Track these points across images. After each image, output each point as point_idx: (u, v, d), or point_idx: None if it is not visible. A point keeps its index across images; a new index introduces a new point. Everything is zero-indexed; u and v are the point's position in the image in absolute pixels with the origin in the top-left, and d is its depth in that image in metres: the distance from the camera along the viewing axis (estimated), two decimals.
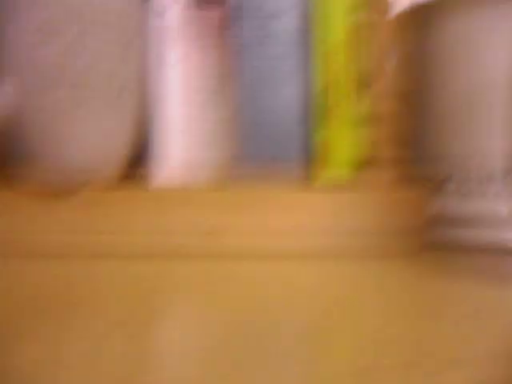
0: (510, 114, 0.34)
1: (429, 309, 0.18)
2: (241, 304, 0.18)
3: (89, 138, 0.29)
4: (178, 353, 0.13)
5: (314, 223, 0.31)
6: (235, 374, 0.11)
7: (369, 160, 0.32)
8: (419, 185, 0.38)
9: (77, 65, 0.28)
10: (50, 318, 0.16)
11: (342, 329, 0.15)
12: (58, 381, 0.11)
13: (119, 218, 0.30)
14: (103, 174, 0.30)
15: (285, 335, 0.14)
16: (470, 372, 0.11)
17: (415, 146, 0.39)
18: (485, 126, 0.36)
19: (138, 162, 0.33)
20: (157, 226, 0.30)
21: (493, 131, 0.36)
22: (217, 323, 0.16)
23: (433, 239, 0.37)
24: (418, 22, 0.39)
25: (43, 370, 0.11)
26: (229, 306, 0.18)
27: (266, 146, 0.32)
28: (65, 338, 0.14)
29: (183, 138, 0.33)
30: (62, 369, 0.11)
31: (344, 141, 0.31)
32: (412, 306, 0.18)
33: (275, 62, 0.32)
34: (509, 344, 0.14)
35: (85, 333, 0.14)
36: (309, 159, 0.32)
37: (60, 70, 0.28)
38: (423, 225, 0.32)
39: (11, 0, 0.27)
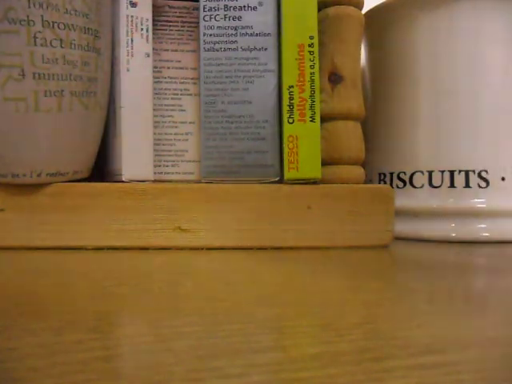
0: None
1: (393, 299, 0.18)
2: (209, 296, 0.18)
3: (58, 133, 0.29)
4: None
5: (285, 215, 0.31)
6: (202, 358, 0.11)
7: (337, 154, 0.32)
8: (387, 178, 0.39)
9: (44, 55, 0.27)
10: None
11: (304, 316, 0.15)
12: None
13: (88, 211, 0.30)
14: (74, 171, 0.30)
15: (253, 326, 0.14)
16: (435, 357, 0.11)
17: (382, 140, 0.39)
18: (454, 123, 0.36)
19: (108, 156, 0.33)
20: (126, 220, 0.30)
21: (462, 129, 0.36)
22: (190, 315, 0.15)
23: (400, 231, 0.37)
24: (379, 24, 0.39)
25: None
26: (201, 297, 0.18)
27: (238, 140, 0.32)
28: None
29: (153, 132, 0.33)
30: None
31: (313, 136, 0.31)
32: (377, 294, 0.18)
33: (248, 55, 0.32)
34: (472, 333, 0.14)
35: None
36: (281, 153, 0.32)
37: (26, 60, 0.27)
38: (392, 217, 0.32)
39: None
